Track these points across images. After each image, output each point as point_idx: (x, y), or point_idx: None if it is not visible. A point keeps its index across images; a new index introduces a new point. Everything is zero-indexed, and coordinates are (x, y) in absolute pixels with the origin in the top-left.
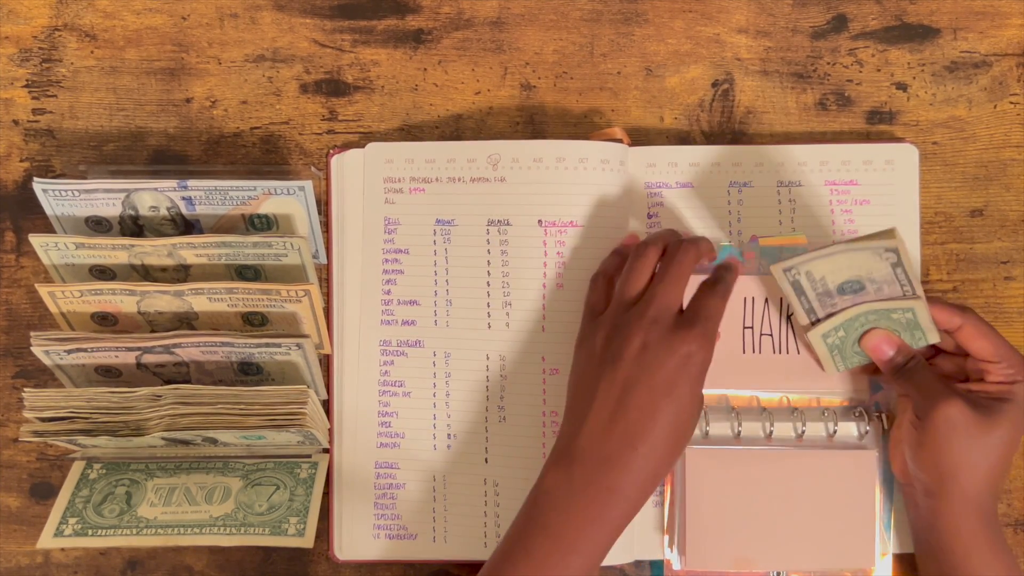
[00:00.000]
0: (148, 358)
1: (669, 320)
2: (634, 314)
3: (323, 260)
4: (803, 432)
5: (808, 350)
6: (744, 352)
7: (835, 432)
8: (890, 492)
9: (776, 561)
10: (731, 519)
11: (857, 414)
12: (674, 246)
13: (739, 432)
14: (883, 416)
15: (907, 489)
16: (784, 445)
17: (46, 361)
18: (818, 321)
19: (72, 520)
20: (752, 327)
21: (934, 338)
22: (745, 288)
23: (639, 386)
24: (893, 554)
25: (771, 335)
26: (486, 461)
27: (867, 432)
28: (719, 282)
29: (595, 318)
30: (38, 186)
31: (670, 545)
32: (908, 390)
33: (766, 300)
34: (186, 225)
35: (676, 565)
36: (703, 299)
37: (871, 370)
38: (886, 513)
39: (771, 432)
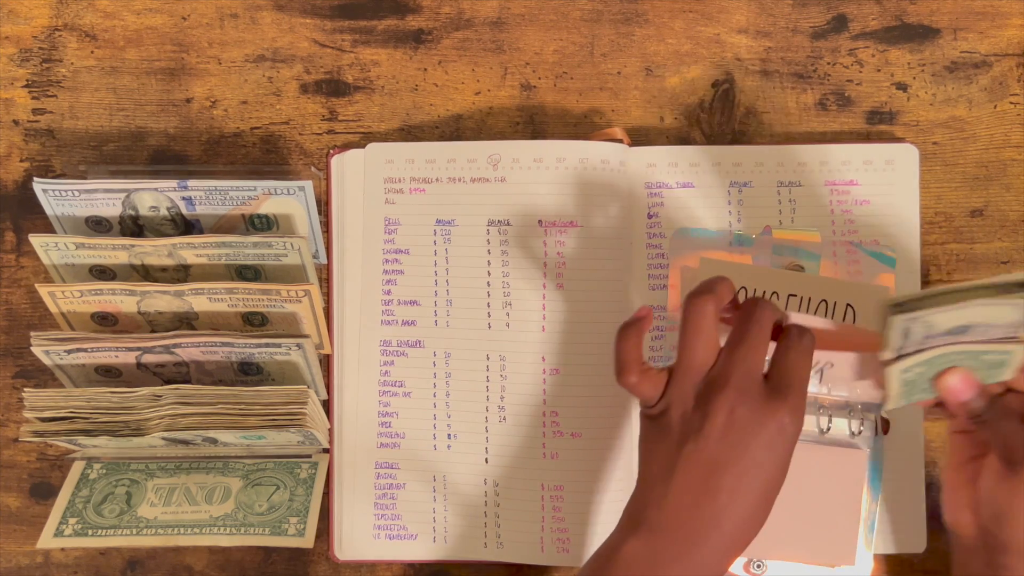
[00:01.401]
0: (148, 358)
1: (756, 390)
2: (714, 385)
3: (323, 260)
4: None
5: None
6: None
7: (829, 428)
8: (876, 493)
9: (756, 550)
10: None
11: (851, 412)
12: (751, 303)
13: None
14: (878, 419)
15: (967, 542)
16: None
17: (46, 361)
18: (903, 356)
19: (72, 520)
20: None
21: (1010, 375)
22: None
23: (728, 469)
24: (874, 555)
25: None
26: (486, 461)
27: (860, 431)
28: (803, 337)
29: (651, 406)
30: (38, 186)
31: None
32: (990, 437)
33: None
34: (186, 225)
35: None
36: (790, 360)
37: (929, 404)
38: (871, 514)
39: None
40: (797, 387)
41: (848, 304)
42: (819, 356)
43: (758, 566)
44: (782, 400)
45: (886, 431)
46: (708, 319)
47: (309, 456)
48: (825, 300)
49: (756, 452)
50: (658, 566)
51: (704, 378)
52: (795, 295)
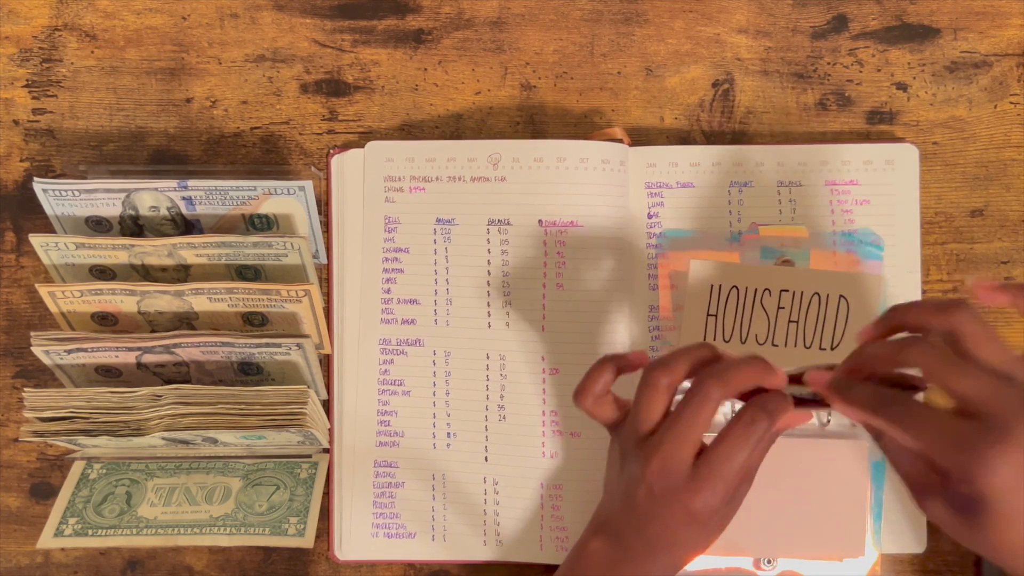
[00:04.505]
0: (148, 358)
1: (677, 474)
2: (641, 457)
3: (323, 260)
4: None
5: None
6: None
7: (828, 421)
8: (880, 483)
9: (765, 548)
10: None
11: None
12: (702, 378)
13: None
14: None
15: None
16: None
17: (46, 361)
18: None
19: (72, 520)
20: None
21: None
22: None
23: (653, 523)
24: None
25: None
26: (486, 460)
27: None
28: (751, 426)
29: (612, 429)
30: (38, 186)
31: None
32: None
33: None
34: (186, 225)
35: None
36: (723, 449)
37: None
38: (876, 503)
39: None
40: (718, 478)
41: (841, 296)
42: None
43: (768, 562)
44: (696, 490)
45: None
46: (659, 392)
47: (309, 456)
48: (817, 294)
49: (675, 526)
50: (614, 564)
51: (645, 438)
52: (787, 290)
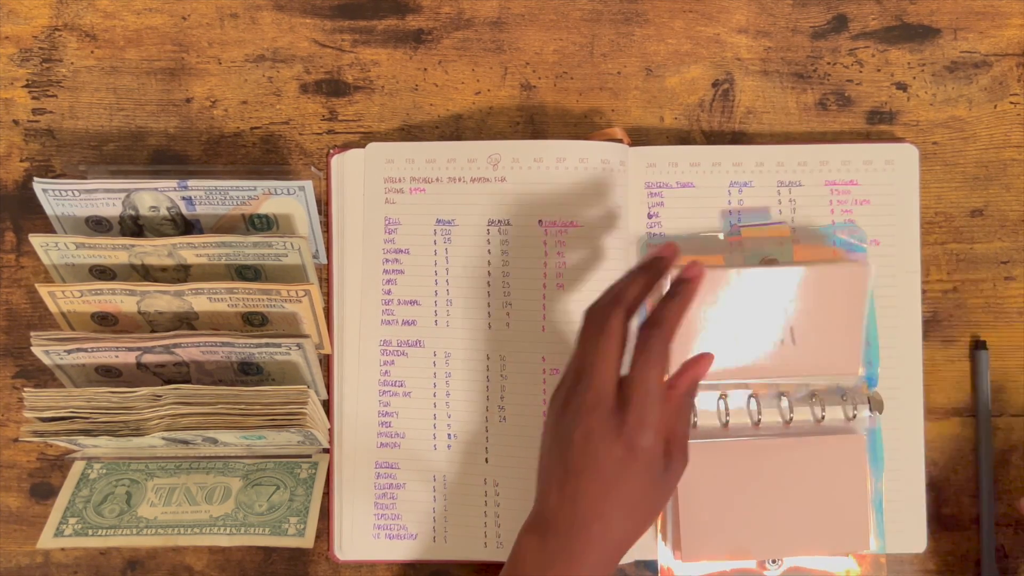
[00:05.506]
0: (148, 358)
1: (605, 407)
2: (577, 396)
3: (323, 260)
4: (791, 418)
5: None
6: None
7: (823, 417)
8: (879, 475)
9: (770, 549)
10: (724, 510)
11: (844, 397)
12: (647, 329)
13: (727, 421)
14: (871, 400)
15: None
16: (772, 433)
17: (46, 361)
18: None
19: (72, 520)
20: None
21: None
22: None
23: (586, 475)
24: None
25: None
26: (486, 461)
27: (854, 416)
28: (647, 344)
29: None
30: (38, 186)
31: (664, 539)
32: None
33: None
34: (186, 225)
35: (664, 561)
36: (632, 375)
37: None
38: (877, 496)
39: (759, 420)
40: (635, 401)
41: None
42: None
43: (773, 561)
44: (622, 418)
45: (879, 411)
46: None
47: (309, 456)
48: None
49: (612, 465)
50: (545, 559)
51: (575, 384)
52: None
